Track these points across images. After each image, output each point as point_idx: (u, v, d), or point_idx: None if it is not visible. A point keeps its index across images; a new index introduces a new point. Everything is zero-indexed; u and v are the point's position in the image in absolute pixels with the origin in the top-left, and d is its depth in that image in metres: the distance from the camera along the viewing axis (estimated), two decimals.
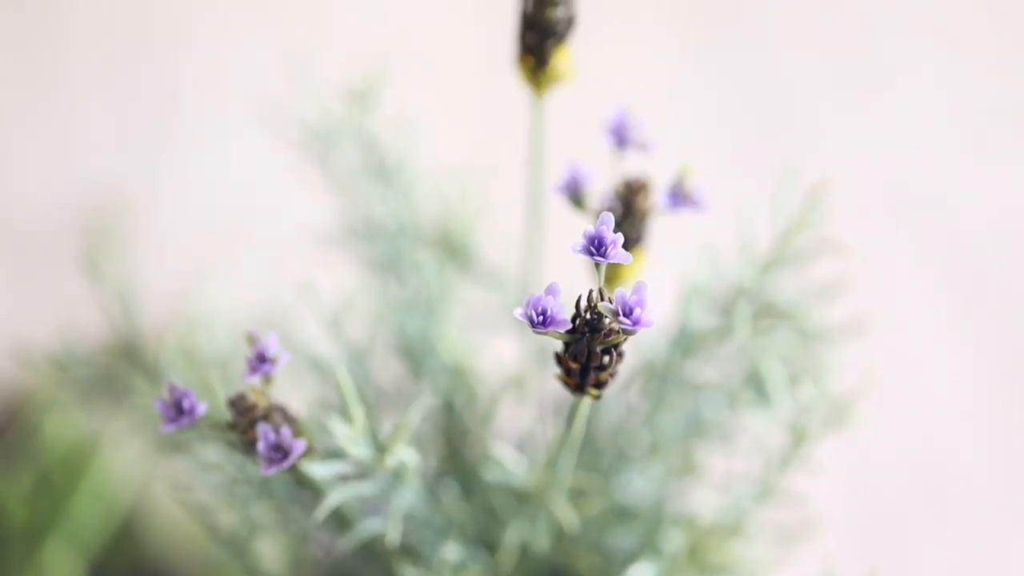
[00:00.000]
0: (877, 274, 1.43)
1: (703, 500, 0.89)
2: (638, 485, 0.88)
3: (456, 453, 0.90)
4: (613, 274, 0.78)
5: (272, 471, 0.71)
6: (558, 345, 0.92)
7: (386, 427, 0.79)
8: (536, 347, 0.92)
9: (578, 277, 0.80)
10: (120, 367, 0.98)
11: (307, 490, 0.86)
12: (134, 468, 1.32)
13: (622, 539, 0.89)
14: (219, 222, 1.50)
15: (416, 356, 0.90)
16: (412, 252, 0.91)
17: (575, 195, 0.77)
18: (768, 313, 0.81)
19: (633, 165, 0.77)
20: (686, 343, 0.83)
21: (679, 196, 0.76)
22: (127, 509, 1.32)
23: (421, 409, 0.86)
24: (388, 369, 0.91)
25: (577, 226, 0.88)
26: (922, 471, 1.33)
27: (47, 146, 1.56)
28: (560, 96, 0.82)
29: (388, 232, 0.91)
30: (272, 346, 0.72)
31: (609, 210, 0.78)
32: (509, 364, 0.93)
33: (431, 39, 1.61)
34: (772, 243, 0.81)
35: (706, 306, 0.82)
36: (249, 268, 1.44)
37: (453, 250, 0.91)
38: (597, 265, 0.70)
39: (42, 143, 1.57)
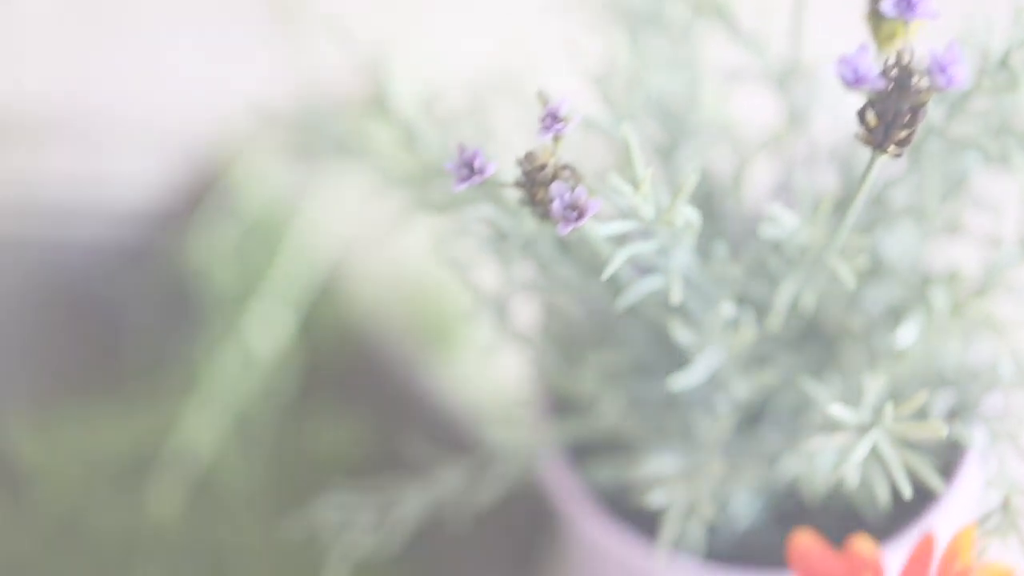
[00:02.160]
0: None
1: (964, 258, 0.89)
2: (898, 243, 0.89)
3: (714, 214, 0.91)
4: (890, 34, 0.77)
5: (568, 230, 0.72)
6: (832, 104, 0.92)
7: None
8: (790, 107, 0.92)
9: (835, 43, 0.79)
10: (361, 123, 0.99)
11: (570, 253, 0.87)
12: (338, 226, 1.34)
13: (882, 296, 0.89)
14: None
15: (674, 116, 0.90)
16: (668, 9, 0.90)
17: None
18: None
19: None
20: (953, 100, 0.83)
21: None
22: (332, 267, 1.34)
23: (696, 167, 0.86)
24: (643, 131, 0.91)
25: None
26: None
27: None
28: None
29: None
30: (565, 105, 0.73)
31: None
32: (765, 124, 0.93)
33: None
34: None
35: (976, 64, 0.81)
36: (472, 28, 1.43)
37: (711, 8, 0.90)
38: (904, 23, 0.70)
39: None
